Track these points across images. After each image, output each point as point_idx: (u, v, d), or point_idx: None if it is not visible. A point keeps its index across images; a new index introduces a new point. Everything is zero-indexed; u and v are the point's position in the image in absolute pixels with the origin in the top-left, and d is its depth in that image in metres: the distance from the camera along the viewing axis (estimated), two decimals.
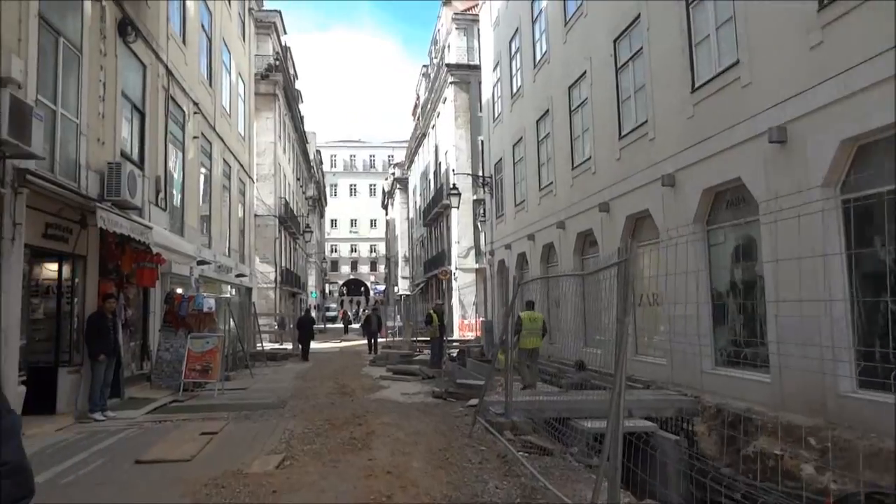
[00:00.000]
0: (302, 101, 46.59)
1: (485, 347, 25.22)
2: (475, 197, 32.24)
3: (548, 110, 17.83)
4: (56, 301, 9.14)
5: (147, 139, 12.29)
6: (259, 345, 22.37)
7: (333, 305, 65.79)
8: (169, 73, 13.52)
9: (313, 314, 40.57)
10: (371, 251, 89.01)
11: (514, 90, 21.55)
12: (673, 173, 10.59)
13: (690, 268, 8.20)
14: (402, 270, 62.59)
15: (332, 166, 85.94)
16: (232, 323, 15.72)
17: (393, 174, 67.34)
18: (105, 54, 10.14)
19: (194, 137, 15.63)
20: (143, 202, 11.02)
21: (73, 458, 6.40)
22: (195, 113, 15.68)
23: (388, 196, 72.45)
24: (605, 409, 7.03)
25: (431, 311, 16.29)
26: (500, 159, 23.74)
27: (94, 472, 6.00)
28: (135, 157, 11.78)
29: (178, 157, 14.48)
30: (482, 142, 33.24)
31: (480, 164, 32.62)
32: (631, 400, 8.57)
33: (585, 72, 14.82)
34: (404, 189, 62.61)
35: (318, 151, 66.47)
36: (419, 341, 24.61)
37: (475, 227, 33.01)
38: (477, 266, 32.65)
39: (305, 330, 21.90)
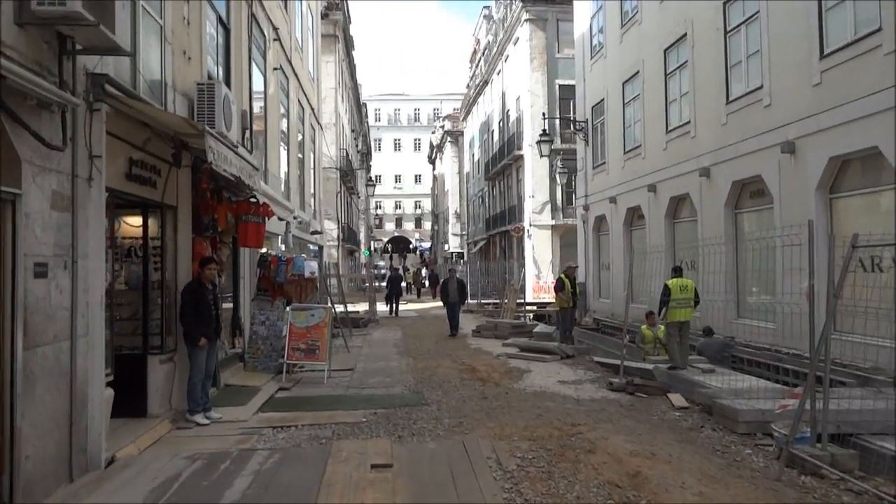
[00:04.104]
0: (354, 48, 43.52)
1: (578, 311, 22.94)
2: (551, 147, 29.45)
3: (684, 34, 14.84)
4: (142, 267, 6.81)
5: (233, 63, 9.79)
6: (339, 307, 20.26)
7: (382, 263, 63.65)
8: None
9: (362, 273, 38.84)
10: (416, 207, 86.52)
11: (626, 18, 18.46)
12: None
13: None
14: (453, 227, 60.28)
15: (376, 120, 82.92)
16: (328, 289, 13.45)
17: (442, 127, 64.16)
18: None
19: (274, 69, 13.09)
20: (235, 139, 8.58)
21: None
22: (275, 40, 13.10)
23: (436, 150, 69.34)
24: None
25: (563, 276, 13.50)
26: (602, 100, 20.78)
27: None
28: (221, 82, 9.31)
29: (260, 89, 11.99)
30: (560, 86, 30.28)
31: (557, 110, 29.78)
32: None
33: None
34: (455, 142, 59.60)
35: (364, 104, 63.53)
36: (525, 306, 22.40)
37: (552, 179, 30.36)
38: (553, 222, 30.28)
39: (396, 286, 22.61)
